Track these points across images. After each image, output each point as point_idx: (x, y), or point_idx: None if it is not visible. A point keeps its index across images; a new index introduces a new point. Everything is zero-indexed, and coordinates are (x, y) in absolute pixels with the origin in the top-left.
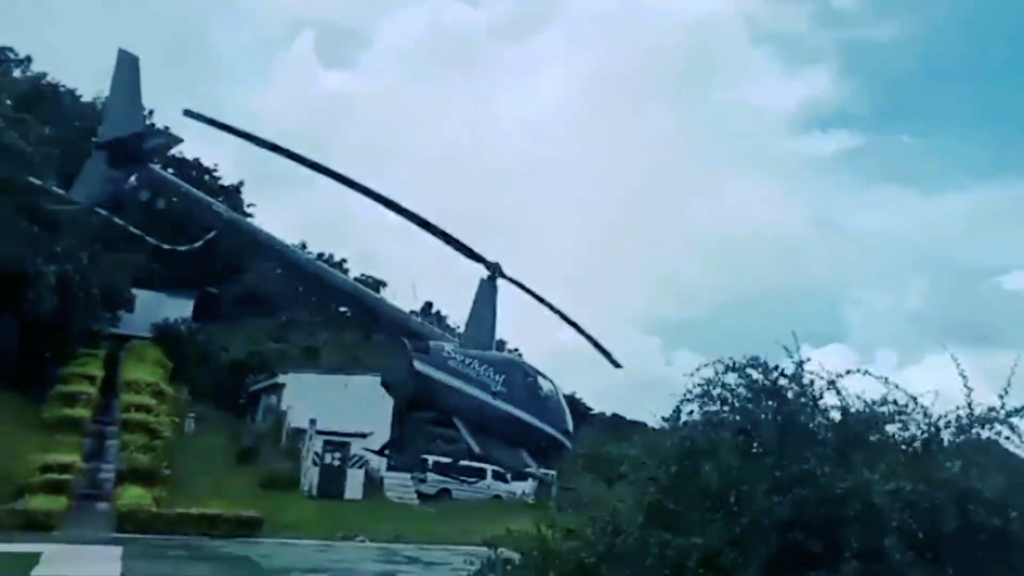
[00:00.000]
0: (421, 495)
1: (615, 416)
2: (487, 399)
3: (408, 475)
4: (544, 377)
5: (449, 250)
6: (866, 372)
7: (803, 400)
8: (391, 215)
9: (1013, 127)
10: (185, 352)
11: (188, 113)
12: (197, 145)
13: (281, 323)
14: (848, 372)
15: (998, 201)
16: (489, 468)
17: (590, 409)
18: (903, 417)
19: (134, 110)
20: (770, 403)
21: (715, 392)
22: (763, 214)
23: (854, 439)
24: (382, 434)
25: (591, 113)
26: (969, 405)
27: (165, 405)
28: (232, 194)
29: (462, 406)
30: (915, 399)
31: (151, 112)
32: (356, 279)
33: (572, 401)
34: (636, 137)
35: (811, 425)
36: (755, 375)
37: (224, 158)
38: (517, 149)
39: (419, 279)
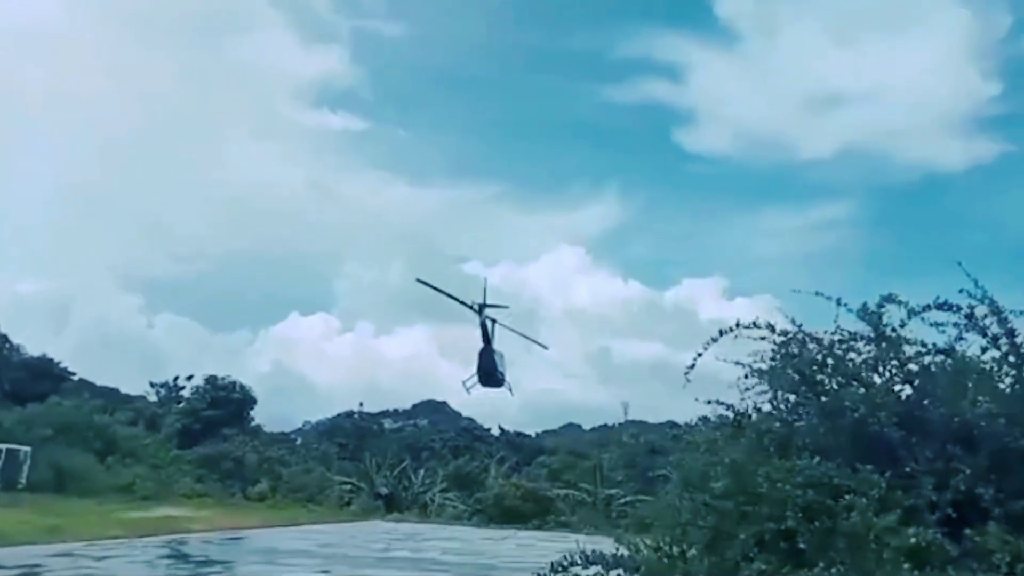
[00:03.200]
0: None
1: (83, 381)
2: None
3: None
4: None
5: None
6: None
7: None
8: None
9: (487, 136)
10: None
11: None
12: None
13: None
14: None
15: (466, 198)
16: None
17: (72, 374)
18: None
19: None
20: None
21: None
22: (265, 179)
23: None
24: None
25: (84, 38)
26: None
27: None
28: None
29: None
30: None
31: None
32: None
33: (46, 362)
34: (135, 74)
35: None
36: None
37: None
38: None
39: None
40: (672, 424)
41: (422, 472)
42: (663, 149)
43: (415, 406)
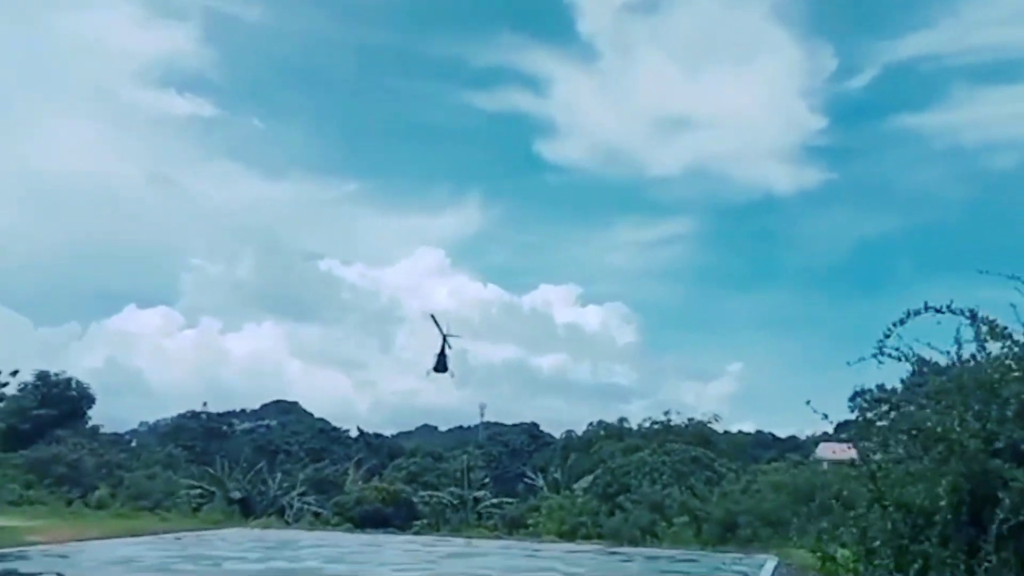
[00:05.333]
0: None
1: None
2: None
3: None
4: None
5: None
6: None
7: None
8: None
9: (346, 133)
10: None
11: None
12: None
13: None
14: None
15: (321, 195)
16: None
17: None
18: None
19: None
20: None
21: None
22: (99, 164)
23: None
24: None
25: None
26: None
27: None
28: None
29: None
30: None
31: None
32: None
33: None
34: None
35: None
36: None
37: None
38: None
39: None
40: (533, 425)
41: (279, 475)
42: (524, 158)
43: (264, 406)
